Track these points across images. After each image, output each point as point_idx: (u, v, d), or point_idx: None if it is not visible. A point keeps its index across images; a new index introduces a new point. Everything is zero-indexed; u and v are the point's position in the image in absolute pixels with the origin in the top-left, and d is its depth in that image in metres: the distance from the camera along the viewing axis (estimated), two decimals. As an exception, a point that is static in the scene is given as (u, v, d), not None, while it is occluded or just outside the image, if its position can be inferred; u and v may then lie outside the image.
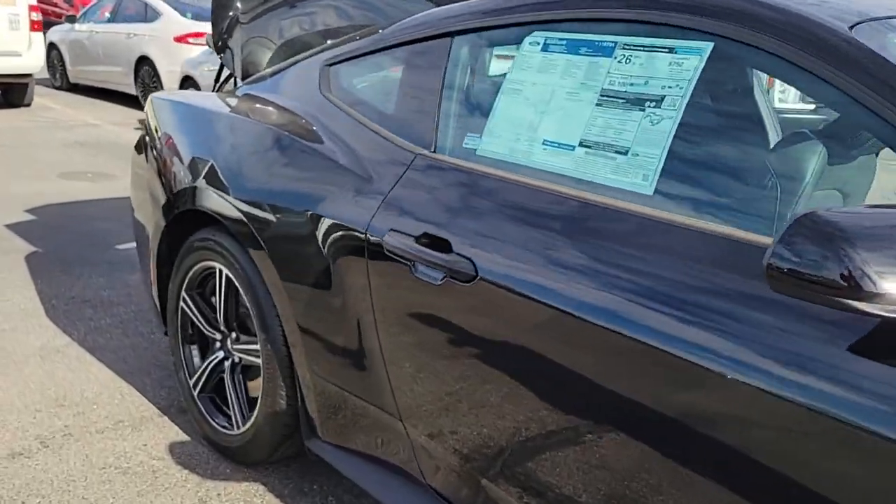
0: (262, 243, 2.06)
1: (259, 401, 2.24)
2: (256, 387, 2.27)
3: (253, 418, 2.28)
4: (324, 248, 1.91)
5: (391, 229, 1.75)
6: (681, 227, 1.35)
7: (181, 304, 2.53)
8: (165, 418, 2.67)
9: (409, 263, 1.69)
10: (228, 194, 2.18)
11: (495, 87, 1.77)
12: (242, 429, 2.32)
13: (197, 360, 2.56)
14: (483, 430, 1.62)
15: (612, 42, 1.57)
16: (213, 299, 2.48)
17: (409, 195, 1.78)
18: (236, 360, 2.39)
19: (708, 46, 1.43)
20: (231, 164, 2.23)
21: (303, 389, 2.10)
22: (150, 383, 2.90)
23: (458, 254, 1.60)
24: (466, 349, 1.60)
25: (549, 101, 1.64)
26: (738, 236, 1.29)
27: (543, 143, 1.62)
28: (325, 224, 1.91)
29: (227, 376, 2.39)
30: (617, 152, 1.49)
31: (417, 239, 1.69)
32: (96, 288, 3.76)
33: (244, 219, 2.11)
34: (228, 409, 2.43)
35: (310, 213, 1.95)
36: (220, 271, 2.32)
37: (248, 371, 2.41)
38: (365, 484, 1.95)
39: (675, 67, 1.45)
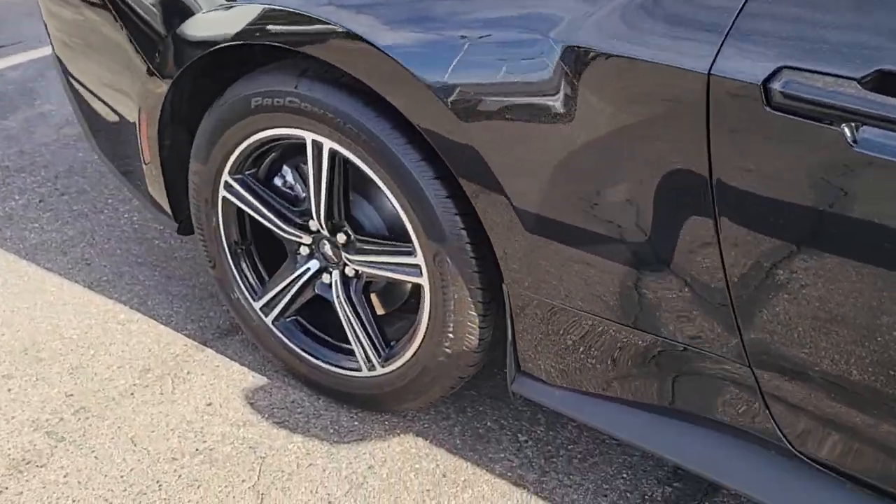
0: (449, 104, 1.20)
1: (423, 334, 1.48)
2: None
3: (406, 357, 1.52)
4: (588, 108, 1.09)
5: (785, 66, 0.96)
6: None
7: (223, 193, 1.62)
8: (208, 351, 1.84)
9: (829, 122, 0.94)
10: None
11: None
12: (382, 370, 1.57)
13: (251, 274, 1.71)
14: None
15: None
16: (287, 185, 1.60)
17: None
18: (350, 273, 1.57)
19: None
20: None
21: (515, 319, 1.36)
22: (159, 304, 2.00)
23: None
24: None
25: None
26: None
27: None
28: (590, 61, 1.08)
29: (339, 298, 1.57)
30: None
31: (862, 80, 0.93)
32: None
33: (402, 64, 1.21)
34: (339, 341, 1.66)
35: (562, 44, 1.10)
36: (319, 147, 1.43)
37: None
38: (625, 432, 1.33)
39: None
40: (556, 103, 1.13)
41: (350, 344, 1.60)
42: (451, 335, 1.43)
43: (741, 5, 0.99)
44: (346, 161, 1.43)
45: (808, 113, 0.95)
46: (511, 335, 1.39)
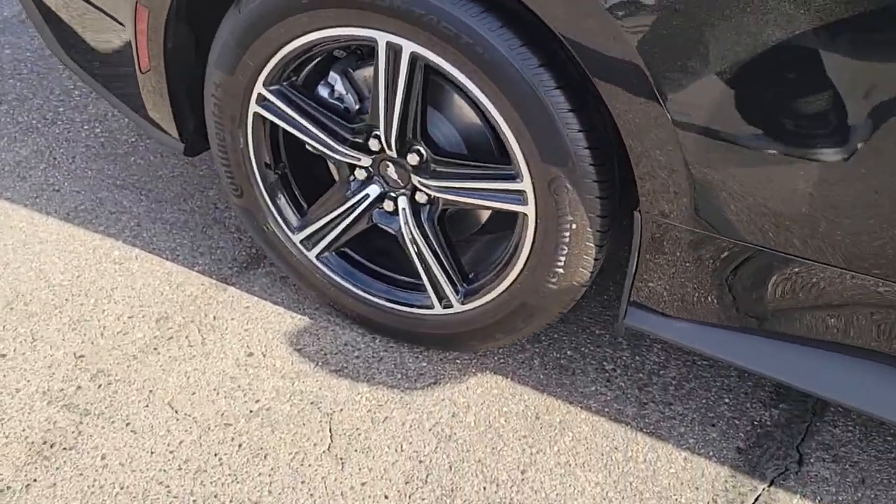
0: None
1: (521, 268, 1.27)
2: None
3: (495, 293, 1.32)
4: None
5: None
6: None
7: (256, 108, 1.32)
8: (231, 290, 1.59)
9: None
10: None
11: None
12: (461, 307, 1.37)
13: (288, 203, 1.45)
14: None
15: None
16: (335, 95, 1.32)
17: None
18: (422, 200, 1.33)
19: None
20: None
21: (643, 250, 1.18)
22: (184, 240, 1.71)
23: None
24: None
25: None
26: None
27: None
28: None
29: (409, 228, 1.34)
30: None
31: None
32: None
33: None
34: (402, 276, 1.44)
35: None
36: (397, 50, 1.15)
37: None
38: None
39: None
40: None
41: (417, 279, 1.39)
42: (560, 269, 1.23)
43: None
44: (430, 68, 1.16)
45: None
46: (635, 267, 1.21)
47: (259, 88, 1.30)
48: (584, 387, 1.46)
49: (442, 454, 1.33)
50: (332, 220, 1.41)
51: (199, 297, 1.57)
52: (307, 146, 1.37)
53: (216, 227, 1.74)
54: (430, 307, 1.40)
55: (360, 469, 1.30)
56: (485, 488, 1.29)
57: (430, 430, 1.37)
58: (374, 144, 1.30)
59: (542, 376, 1.47)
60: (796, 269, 1.10)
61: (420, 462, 1.32)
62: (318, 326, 1.53)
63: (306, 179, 1.46)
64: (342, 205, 1.39)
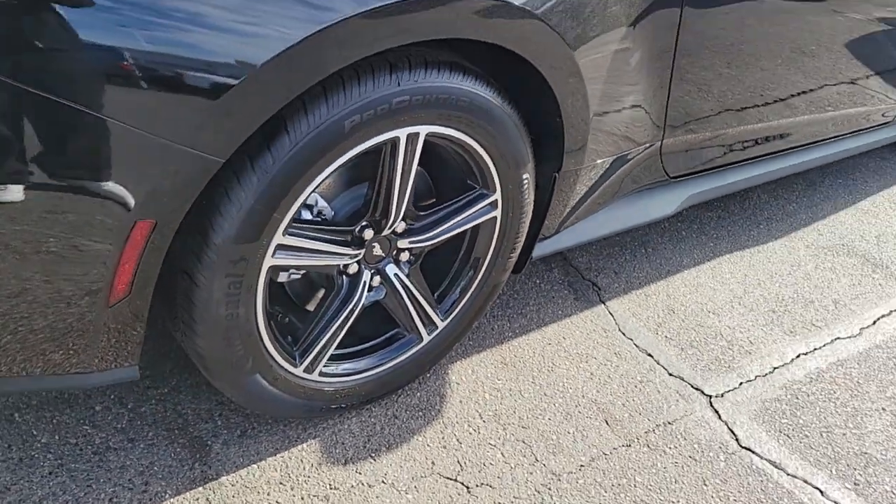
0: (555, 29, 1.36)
1: (489, 262, 1.60)
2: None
3: (469, 296, 1.62)
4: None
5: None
6: None
7: (273, 261, 1.25)
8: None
9: None
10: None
11: None
12: (443, 323, 1.62)
13: (283, 348, 1.39)
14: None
15: None
16: (317, 212, 1.36)
17: None
18: (404, 258, 1.48)
19: None
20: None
21: (566, 196, 1.67)
22: None
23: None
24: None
25: None
26: None
27: None
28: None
29: (400, 286, 1.49)
30: None
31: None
32: None
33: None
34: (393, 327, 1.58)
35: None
36: (415, 137, 1.31)
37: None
38: (609, 226, 1.91)
39: None
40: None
41: (394, 329, 1.56)
42: (518, 243, 1.62)
43: None
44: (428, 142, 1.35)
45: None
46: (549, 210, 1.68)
47: (278, 239, 1.22)
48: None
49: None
50: (334, 331, 1.42)
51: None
52: (289, 275, 1.34)
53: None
54: (421, 340, 1.59)
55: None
56: None
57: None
58: (368, 234, 1.38)
59: (517, 325, 1.81)
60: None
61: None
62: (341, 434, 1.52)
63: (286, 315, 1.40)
64: (342, 309, 1.42)
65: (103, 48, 0.92)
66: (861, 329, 2.09)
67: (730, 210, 2.56)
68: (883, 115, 2.59)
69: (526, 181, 1.52)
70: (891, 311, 2.18)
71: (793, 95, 2.08)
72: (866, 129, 2.59)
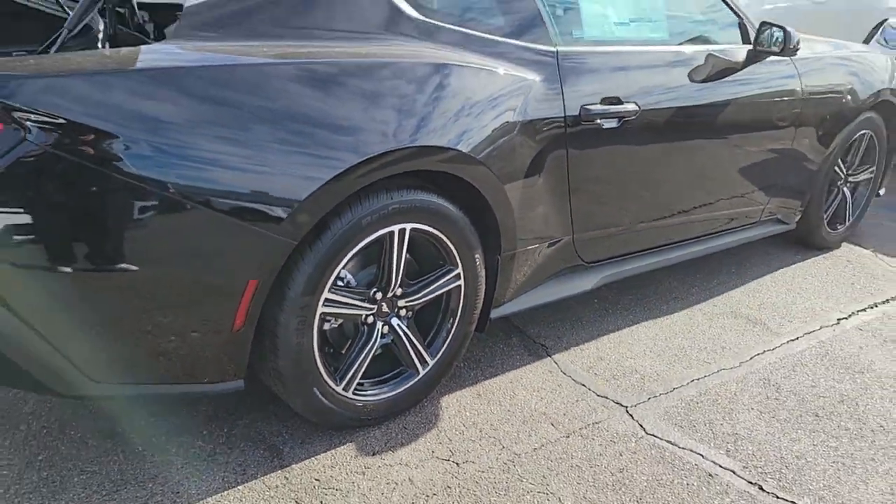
0: (490, 168, 2.23)
1: (457, 319, 2.40)
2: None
3: (447, 341, 2.40)
4: (534, 143, 2.39)
5: (582, 106, 2.50)
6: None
7: (322, 309, 2.05)
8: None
9: (596, 122, 2.55)
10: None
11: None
12: (433, 360, 2.39)
13: (329, 371, 2.16)
14: (628, 215, 2.81)
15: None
16: (346, 282, 2.16)
17: (576, 79, 2.52)
18: (403, 313, 2.29)
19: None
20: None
21: (508, 273, 2.48)
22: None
23: (626, 101, 2.64)
24: (631, 165, 2.73)
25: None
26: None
27: (620, 24, 2.72)
28: (530, 124, 2.36)
29: (403, 331, 2.28)
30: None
31: (602, 102, 2.56)
32: None
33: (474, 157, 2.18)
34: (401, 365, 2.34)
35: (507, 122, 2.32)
36: (403, 231, 2.14)
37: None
38: (545, 297, 2.72)
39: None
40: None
41: (398, 368, 2.33)
42: (477, 305, 2.42)
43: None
44: (412, 234, 2.19)
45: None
46: (498, 283, 2.50)
47: (326, 294, 2.02)
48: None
49: (483, 430, 2.35)
50: (360, 362, 2.19)
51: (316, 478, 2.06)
52: (330, 324, 2.14)
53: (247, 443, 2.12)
54: (418, 373, 2.35)
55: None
56: None
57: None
58: (378, 296, 2.19)
59: (513, 355, 2.56)
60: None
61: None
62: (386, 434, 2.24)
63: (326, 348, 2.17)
64: (366, 346, 2.20)
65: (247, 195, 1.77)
66: (741, 363, 2.86)
67: (644, 293, 3.38)
68: (760, 215, 3.48)
69: (478, 259, 2.35)
70: (764, 351, 2.95)
71: (679, 205, 2.97)
72: (747, 225, 3.47)
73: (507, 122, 2.28)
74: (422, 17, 2.23)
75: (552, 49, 2.47)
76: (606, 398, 2.57)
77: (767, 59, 3.16)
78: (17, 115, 1.58)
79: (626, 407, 2.53)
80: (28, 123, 1.59)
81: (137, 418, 2.24)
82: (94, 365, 1.79)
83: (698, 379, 2.73)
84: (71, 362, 1.75)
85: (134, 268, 1.71)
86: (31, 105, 1.58)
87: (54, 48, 1.84)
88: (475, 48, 2.30)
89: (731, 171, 3.16)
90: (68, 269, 1.66)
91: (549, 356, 2.80)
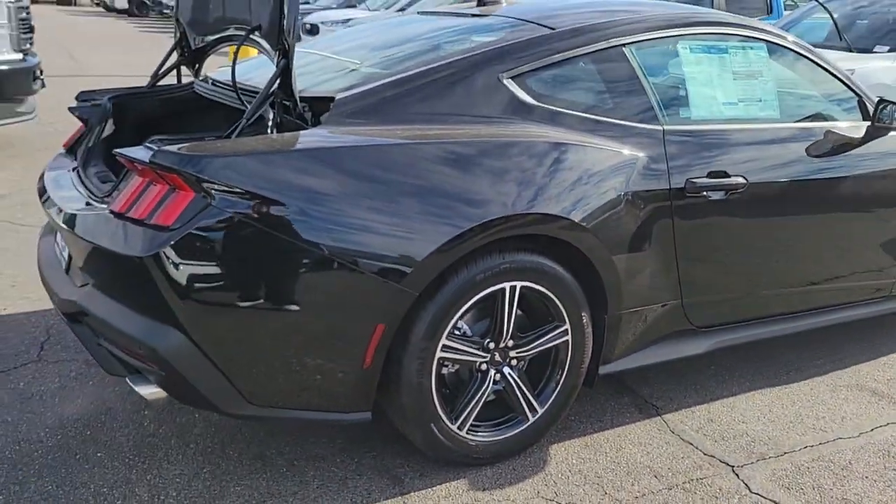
0: (597, 236, 2.48)
1: (565, 372, 2.61)
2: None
3: (556, 392, 2.62)
4: (640, 213, 2.61)
5: (687, 179, 2.70)
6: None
7: (440, 354, 2.34)
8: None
9: (702, 195, 2.74)
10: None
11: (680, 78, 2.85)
12: (542, 408, 2.60)
13: (448, 410, 2.44)
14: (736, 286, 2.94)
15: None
16: (462, 332, 2.44)
17: (681, 154, 2.73)
18: (516, 363, 2.53)
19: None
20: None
21: (615, 332, 2.68)
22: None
23: (734, 175, 2.81)
24: (739, 236, 2.87)
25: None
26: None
27: (727, 104, 2.93)
28: (636, 196, 2.59)
29: (514, 380, 2.52)
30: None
31: (708, 175, 2.75)
32: None
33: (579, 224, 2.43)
34: (511, 413, 2.57)
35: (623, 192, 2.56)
36: (514, 288, 2.41)
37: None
38: (654, 357, 2.86)
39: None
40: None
41: (508, 414, 2.56)
42: (584, 360, 2.63)
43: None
44: (522, 291, 2.45)
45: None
46: (605, 341, 2.69)
47: (443, 340, 2.32)
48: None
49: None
50: (474, 405, 2.45)
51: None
52: (448, 366, 2.42)
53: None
54: (527, 420, 2.57)
55: None
56: None
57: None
58: (491, 346, 2.46)
59: (618, 410, 2.76)
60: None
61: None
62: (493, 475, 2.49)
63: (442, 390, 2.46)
64: (479, 391, 2.46)
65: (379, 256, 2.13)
66: (860, 433, 2.86)
67: (764, 363, 3.42)
68: (892, 288, 3.46)
69: (585, 317, 2.57)
70: (888, 423, 2.93)
71: (796, 275, 3.07)
72: (877, 298, 3.46)
73: (614, 194, 2.53)
74: (536, 103, 2.55)
75: (658, 128, 2.71)
76: (713, 457, 2.67)
77: (888, 134, 3.22)
78: (205, 185, 2.03)
79: (733, 466, 2.62)
80: (213, 191, 2.04)
81: (282, 444, 2.61)
82: (251, 388, 2.17)
83: (812, 446, 2.76)
84: (232, 384, 2.14)
85: (295, 308, 2.09)
86: (215, 177, 2.03)
87: (235, 133, 2.30)
88: (585, 129, 2.59)
89: (854, 244, 3.20)
90: (238, 308, 2.07)
91: (659, 415, 2.93)
